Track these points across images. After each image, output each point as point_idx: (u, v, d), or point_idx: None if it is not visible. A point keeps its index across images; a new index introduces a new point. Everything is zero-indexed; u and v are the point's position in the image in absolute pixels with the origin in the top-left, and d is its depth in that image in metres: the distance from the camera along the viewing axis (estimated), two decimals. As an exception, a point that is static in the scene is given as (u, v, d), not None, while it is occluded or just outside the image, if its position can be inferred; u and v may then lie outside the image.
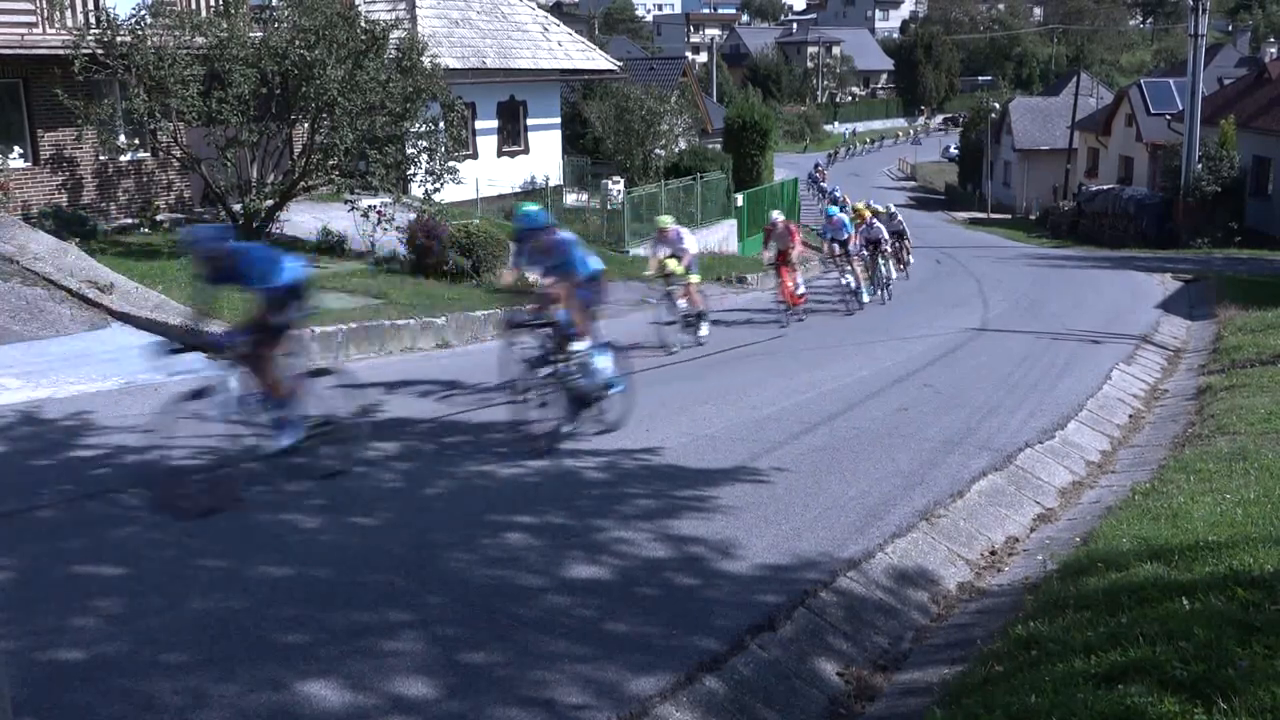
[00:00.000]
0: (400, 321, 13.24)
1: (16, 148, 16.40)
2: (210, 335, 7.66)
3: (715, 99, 57.77)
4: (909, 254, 22.50)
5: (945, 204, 56.33)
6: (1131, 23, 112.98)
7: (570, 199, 28.73)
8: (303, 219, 18.17)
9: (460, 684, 4.56)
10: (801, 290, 16.86)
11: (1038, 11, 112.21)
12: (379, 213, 16.82)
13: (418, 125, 17.46)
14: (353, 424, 7.86)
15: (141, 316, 12.16)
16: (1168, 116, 37.93)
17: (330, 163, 16.64)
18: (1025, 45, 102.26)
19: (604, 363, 8.77)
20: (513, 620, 5.17)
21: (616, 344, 9.16)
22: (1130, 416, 10.86)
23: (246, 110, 15.43)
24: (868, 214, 19.38)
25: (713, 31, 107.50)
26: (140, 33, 15.08)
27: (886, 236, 19.23)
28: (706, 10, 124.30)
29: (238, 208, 16.58)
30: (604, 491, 7.40)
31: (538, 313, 8.52)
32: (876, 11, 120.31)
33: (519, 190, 26.40)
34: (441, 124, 17.70)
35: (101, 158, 17.16)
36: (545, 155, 27.77)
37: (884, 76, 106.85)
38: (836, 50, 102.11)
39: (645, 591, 5.62)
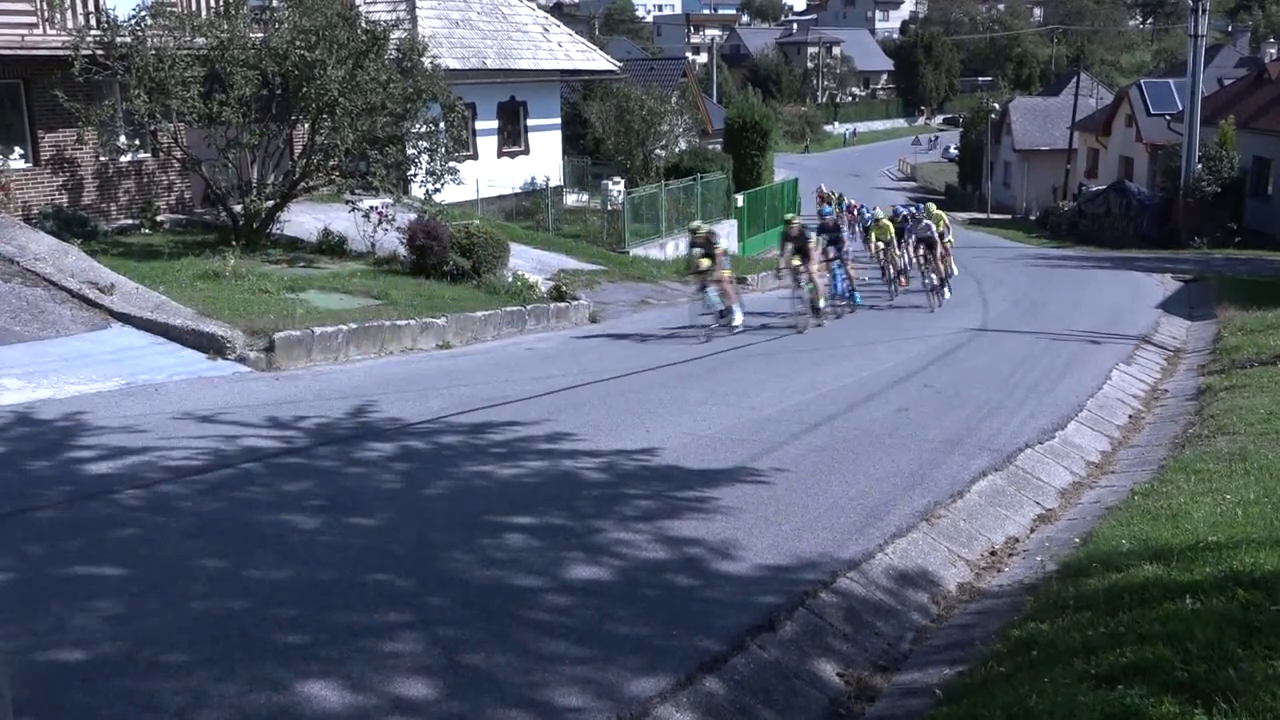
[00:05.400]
0: (400, 322, 13.24)
1: (17, 149, 16.40)
2: None
3: (715, 99, 57.83)
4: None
5: (945, 204, 56.25)
6: (1131, 23, 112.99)
7: (570, 199, 28.75)
8: (303, 220, 18.17)
9: (460, 684, 4.55)
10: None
11: (1038, 12, 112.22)
12: (379, 213, 16.82)
13: (418, 126, 17.46)
14: None
15: (142, 317, 12.16)
16: (1167, 117, 37.94)
17: (331, 163, 16.65)
18: (1025, 46, 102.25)
19: None
20: (513, 621, 5.17)
21: None
22: (1130, 417, 10.85)
23: (247, 111, 15.42)
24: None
25: (713, 32, 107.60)
26: (140, 34, 15.07)
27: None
28: (707, 11, 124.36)
29: (238, 208, 16.59)
30: (604, 492, 7.40)
31: None
32: (876, 12, 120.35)
33: (519, 191, 26.42)
34: (442, 124, 17.70)
35: (102, 159, 17.16)
36: (545, 156, 27.78)
37: (884, 77, 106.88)
38: (837, 51, 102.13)
39: (645, 592, 5.62)
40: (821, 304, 15.82)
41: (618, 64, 30.92)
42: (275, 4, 16.57)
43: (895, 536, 6.68)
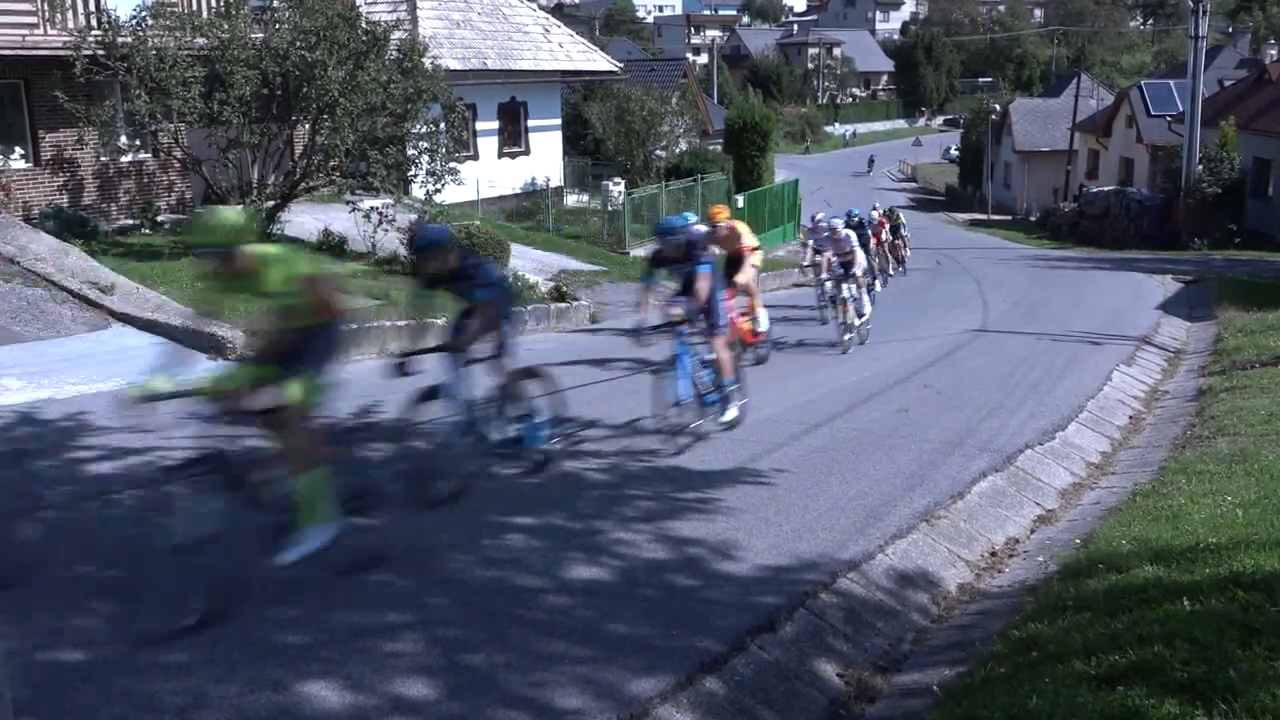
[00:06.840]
0: (401, 322, 13.23)
1: (18, 149, 16.41)
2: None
3: (716, 100, 57.81)
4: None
5: (946, 205, 56.32)
6: (1132, 24, 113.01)
7: (571, 200, 28.75)
8: (304, 220, 18.16)
9: (460, 685, 4.56)
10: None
11: (1038, 13, 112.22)
12: (380, 214, 16.82)
13: (419, 126, 17.47)
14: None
15: (142, 317, 12.16)
16: (1168, 118, 37.96)
17: (331, 164, 16.65)
18: (1026, 46, 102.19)
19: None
20: (513, 621, 5.17)
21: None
22: (1130, 418, 10.85)
23: (248, 111, 15.42)
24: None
25: (713, 33, 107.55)
26: (141, 34, 15.07)
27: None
28: (707, 11, 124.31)
29: (239, 209, 16.59)
30: (604, 493, 7.40)
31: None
32: (877, 13, 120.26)
33: (520, 191, 26.42)
34: (442, 125, 17.71)
35: (102, 159, 17.17)
36: (546, 156, 27.78)
37: (884, 78, 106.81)
38: (837, 51, 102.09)
39: (645, 593, 5.62)
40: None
41: (618, 65, 30.92)
42: (275, 4, 16.58)
43: (895, 537, 6.69)
